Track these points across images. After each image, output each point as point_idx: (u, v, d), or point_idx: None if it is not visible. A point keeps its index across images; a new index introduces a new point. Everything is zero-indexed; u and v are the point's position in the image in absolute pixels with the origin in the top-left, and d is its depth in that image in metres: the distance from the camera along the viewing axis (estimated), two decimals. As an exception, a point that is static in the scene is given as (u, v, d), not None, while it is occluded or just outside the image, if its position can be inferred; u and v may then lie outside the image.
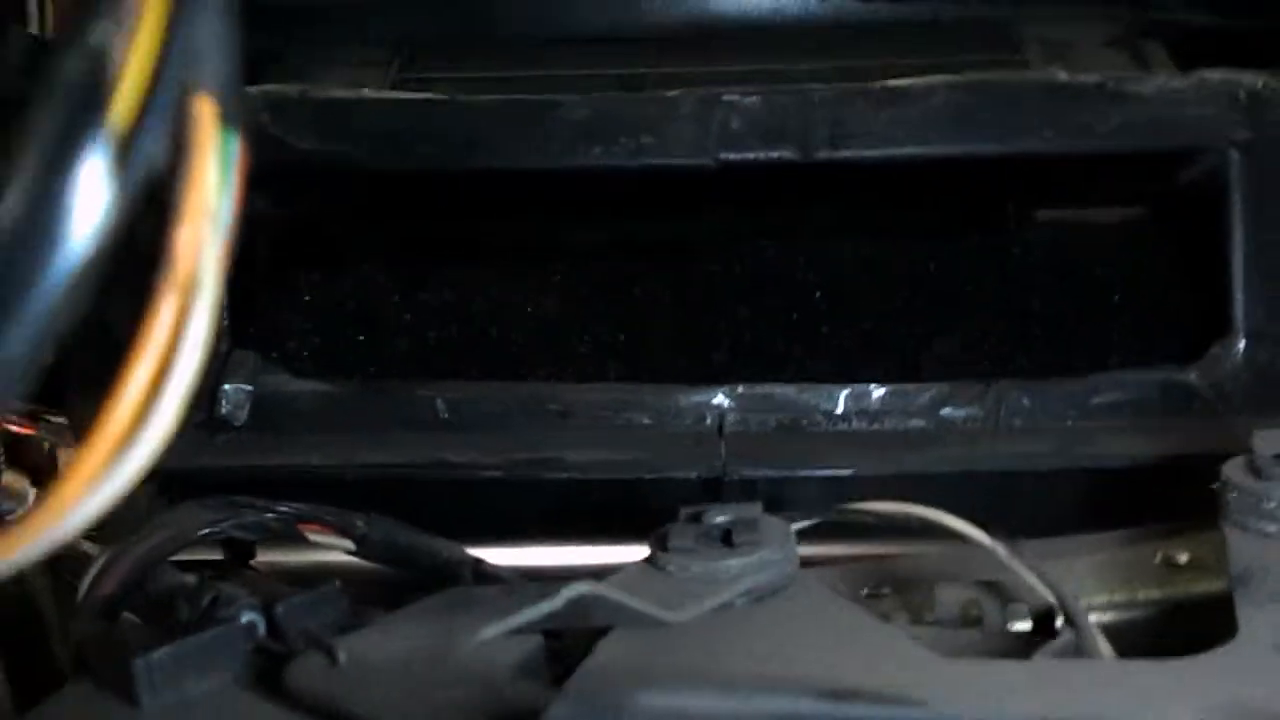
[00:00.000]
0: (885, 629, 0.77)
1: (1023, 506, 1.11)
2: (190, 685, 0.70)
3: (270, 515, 0.90)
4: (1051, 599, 0.78)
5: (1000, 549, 0.80)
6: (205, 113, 0.39)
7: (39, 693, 1.01)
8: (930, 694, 0.65)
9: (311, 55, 1.27)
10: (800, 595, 0.79)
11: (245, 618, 0.74)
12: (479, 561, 0.92)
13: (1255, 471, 0.84)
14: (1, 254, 0.35)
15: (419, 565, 0.92)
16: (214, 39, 0.39)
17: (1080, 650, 0.73)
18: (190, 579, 0.84)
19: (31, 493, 1.43)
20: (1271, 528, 0.82)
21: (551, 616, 0.72)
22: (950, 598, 0.85)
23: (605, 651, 0.72)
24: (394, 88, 1.25)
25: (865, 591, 0.97)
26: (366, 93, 1.12)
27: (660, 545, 0.81)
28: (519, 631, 0.72)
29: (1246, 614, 0.74)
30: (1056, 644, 0.74)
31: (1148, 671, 0.71)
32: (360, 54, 1.28)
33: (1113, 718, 0.64)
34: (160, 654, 0.69)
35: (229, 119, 0.40)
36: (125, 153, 0.36)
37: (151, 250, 0.40)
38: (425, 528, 1.01)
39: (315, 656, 0.70)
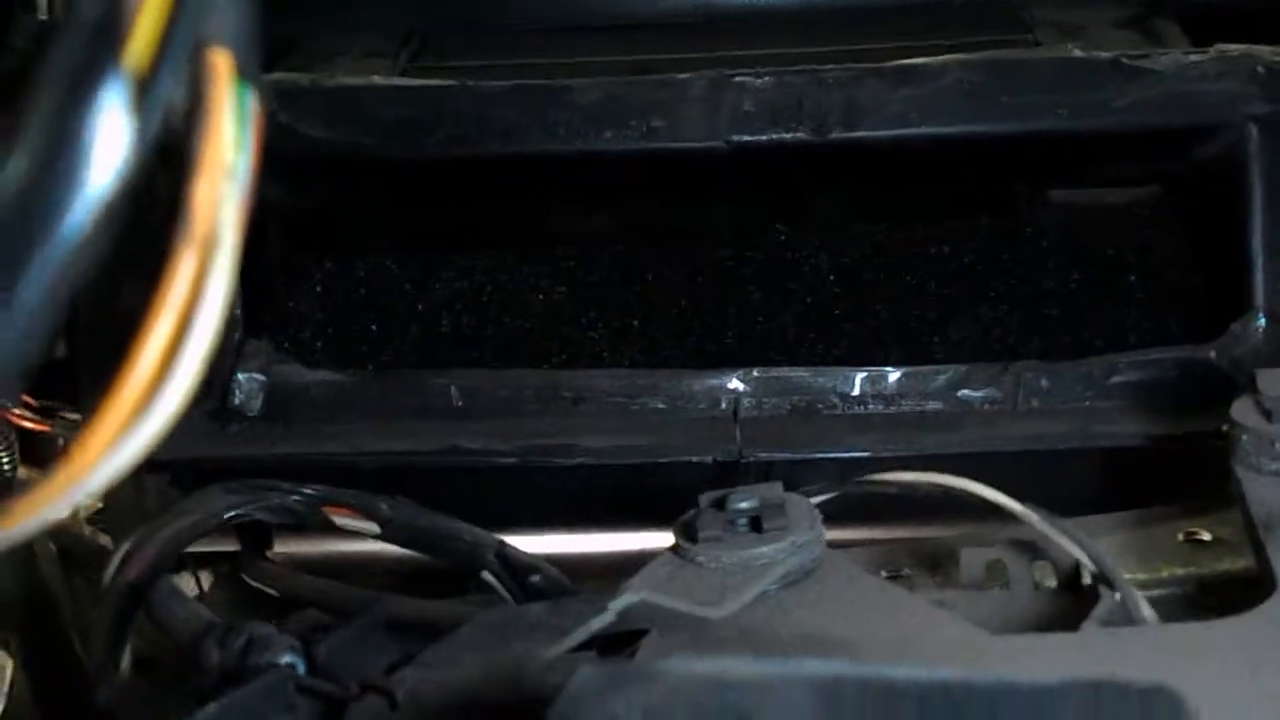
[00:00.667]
0: (926, 606, 0.76)
1: (1042, 487, 1.09)
2: None
3: (295, 498, 0.90)
4: (1087, 561, 0.77)
5: (1032, 514, 0.79)
6: (221, 66, 0.38)
7: (54, 682, 1.01)
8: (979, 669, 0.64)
9: (320, 44, 1.27)
10: (832, 576, 0.78)
11: (285, 659, 0.72)
12: (502, 544, 0.91)
13: (1265, 413, 0.83)
14: (21, 194, 0.34)
15: (443, 548, 0.91)
16: (230, -8, 0.38)
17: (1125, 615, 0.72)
18: (211, 616, 0.82)
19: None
20: None
21: (605, 630, 0.71)
22: (975, 560, 0.85)
23: (648, 650, 0.71)
24: (404, 75, 1.24)
25: (885, 573, 0.96)
26: (377, 80, 1.12)
27: (687, 536, 0.80)
28: (576, 650, 0.71)
29: None
30: (1101, 610, 0.73)
31: (1199, 633, 0.71)
32: (369, 43, 1.27)
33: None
34: (206, 714, 0.66)
35: (245, 73, 0.40)
36: (143, 93, 0.36)
37: (164, 237, 0.40)
38: (439, 514, 1.01)
39: (373, 700, 0.67)
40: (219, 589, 1.18)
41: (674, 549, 0.81)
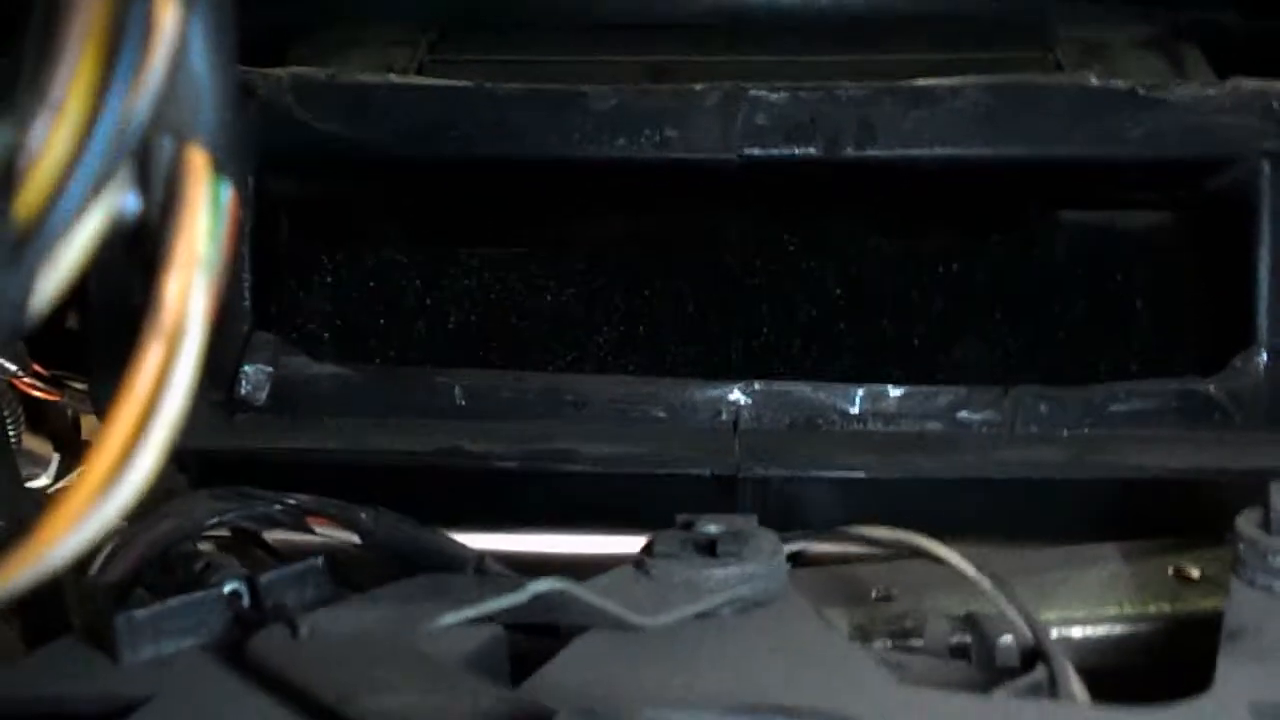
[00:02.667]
0: (854, 652, 0.77)
1: (1036, 513, 1.11)
2: (168, 646, 0.73)
3: (278, 507, 0.91)
4: (1027, 632, 0.77)
5: (986, 583, 0.80)
6: (197, 163, 0.39)
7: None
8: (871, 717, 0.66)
9: (339, 33, 1.27)
10: (782, 612, 0.79)
11: (229, 586, 0.77)
12: (482, 558, 0.92)
13: (1266, 525, 0.83)
14: None
15: (423, 561, 0.93)
16: (206, 90, 0.39)
17: (1054, 689, 0.72)
18: (192, 546, 0.87)
19: (54, 458, 1.45)
20: (1278, 584, 0.81)
21: (516, 610, 0.73)
22: (939, 630, 0.86)
23: (572, 653, 0.73)
24: (421, 68, 1.25)
25: (875, 594, 0.97)
26: (393, 78, 1.12)
27: (648, 550, 0.82)
28: (481, 621, 0.73)
29: (1225, 668, 0.73)
30: (1024, 681, 0.73)
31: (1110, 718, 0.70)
32: (388, 33, 1.27)
33: None
34: (141, 613, 0.73)
35: (221, 167, 0.40)
36: (21, 249, 0.36)
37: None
38: (439, 515, 1.02)
39: (279, 629, 0.72)
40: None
41: (635, 561, 0.83)
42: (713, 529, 0.83)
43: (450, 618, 0.73)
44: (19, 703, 0.73)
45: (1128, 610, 0.96)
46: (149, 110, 0.37)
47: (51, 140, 0.36)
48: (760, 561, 0.80)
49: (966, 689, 0.76)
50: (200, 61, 0.38)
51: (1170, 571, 0.98)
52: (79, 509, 0.40)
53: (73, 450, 1.46)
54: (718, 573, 0.79)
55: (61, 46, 0.35)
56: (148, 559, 0.85)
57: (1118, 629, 0.95)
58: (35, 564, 0.41)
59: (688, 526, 0.84)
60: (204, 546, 0.91)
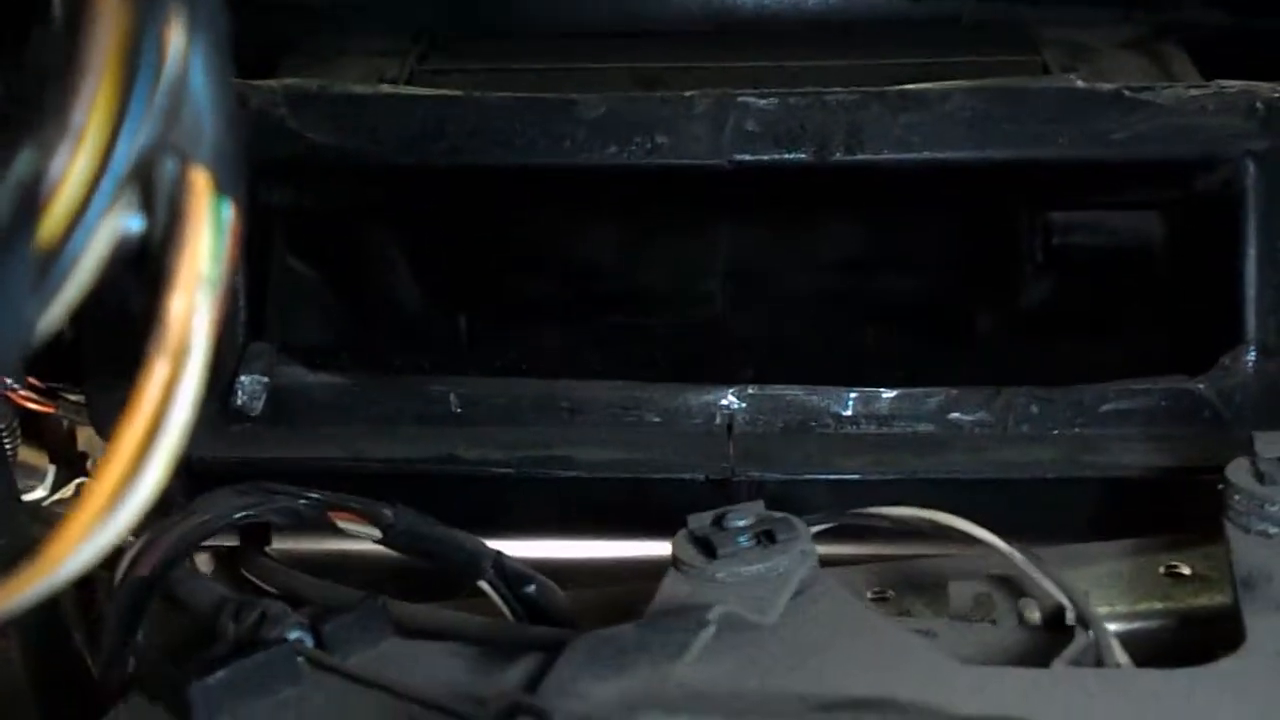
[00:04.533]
0: (905, 634, 0.78)
1: (1029, 513, 1.12)
2: (244, 706, 0.71)
3: (302, 502, 0.92)
4: (1068, 604, 0.80)
5: (1016, 554, 0.81)
6: (200, 184, 0.40)
7: (53, 674, 1.03)
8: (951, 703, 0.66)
9: (329, 43, 1.28)
10: (823, 597, 0.80)
11: (294, 634, 0.76)
12: (499, 555, 0.93)
13: (1258, 475, 0.85)
14: None
15: (441, 557, 0.93)
16: (207, 112, 0.39)
17: (1097, 656, 0.75)
18: (229, 593, 0.86)
19: (50, 470, 1.45)
20: (1274, 530, 0.84)
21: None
22: (964, 592, 0.87)
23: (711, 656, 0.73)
24: (411, 78, 1.26)
25: (870, 594, 0.98)
26: (385, 88, 1.13)
27: (704, 552, 0.81)
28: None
29: (1254, 622, 0.76)
30: (1072, 650, 0.76)
31: (1162, 680, 0.72)
32: (378, 43, 1.28)
33: None
34: (216, 678, 0.70)
35: (223, 188, 0.41)
36: (46, 269, 0.37)
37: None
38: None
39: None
40: (218, 578, 1.20)
41: (678, 567, 0.83)
42: (744, 521, 0.83)
43: (681, 668, 0.71)
44: None
45: (1120, 609, 0.96)
46: (158, 133, 0.37)
47: (72, 168, 0.37)
48: (806, 542, 0.81)
49: (998, 653, 0.77)
50: (201, 83, 0.39)
51: (1162, 570, 0.99)
52: (87, 524, 0.41)
53: (69, 462, 1.46)
54: (783, 559, 0.80)
55: (83, 76, 0.36)
56: (174, 557, 0.86)
57: (1111, 627, 0.96)
58: (44, 579, 0.41)
59: (718, 523, 0.84)
60: (227, 593, 0.89)
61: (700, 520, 0.86)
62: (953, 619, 0.87)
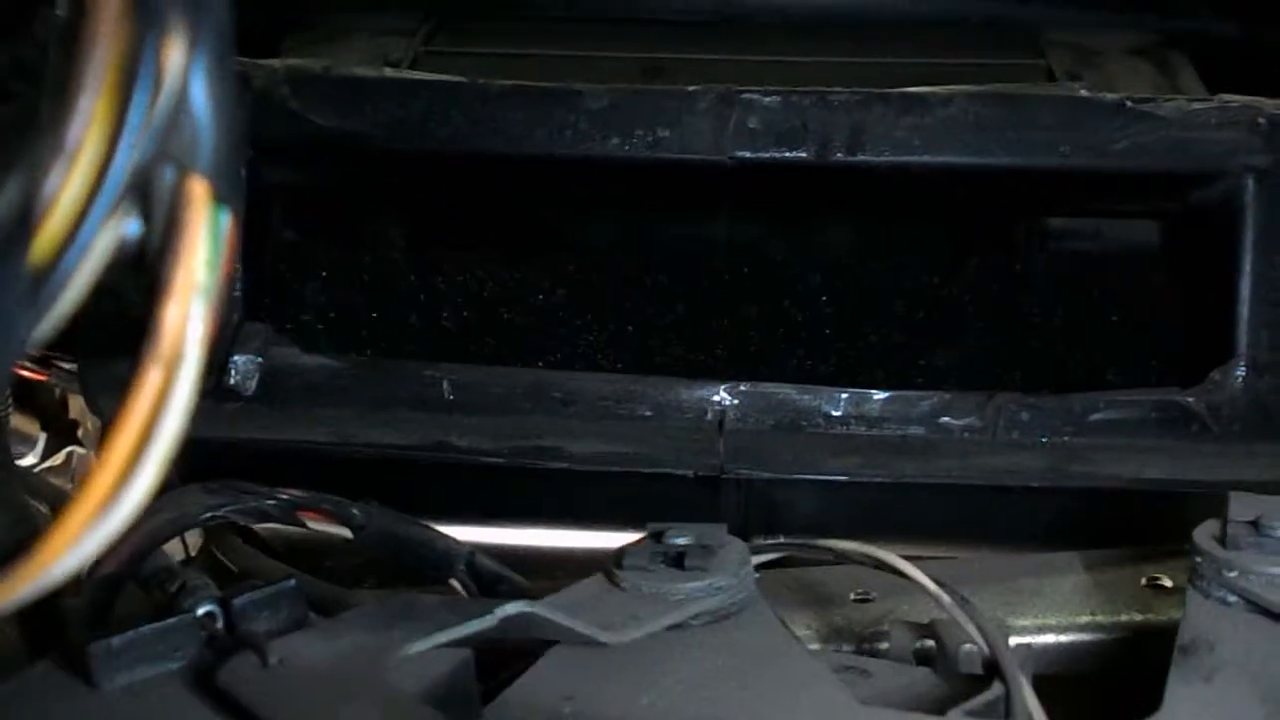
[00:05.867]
0: (816, 667, 0.78)
1: (1014, 519, 1.13)
2: (144, 671, 0.74)
3: (271, 503, 0.92)
4: (986, 651, 0.78)
5: (946, 598, 0.80)
6: (198, 193, 0.40)
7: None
8: None
9: (336, 22, 1.28)
10: (747, 624, 0.81)
11: (203, 609, 0.78)
12: (473, 554, 0.94)
13: (1222, 540, 0.84)
14: None
15: (415, 555, 0.94)
16: (207, 122, 0.40)
17: (1009, 709, 0.72)
18: (170, 564, 0.87)
19: (41, 437, 1.45)
20: (1231, 598, 0.82)
21: (485, 634, 0.74)
22: (904, 636, 0.87)
23: (540, 670, 0.74)
24: (416, 60, 1.26)
25: (854, 596, 0.99)
26: (388, 72, 1.13)
27: (616, 563, 0.83)
28: (453, 645, 0.74)
29: (1175, 689, 0.74)
30: (979, 700, 0.74)
31: None
32: (384, 23, 1.28)
33: None
34: (117, 640, 0.73)
35: (221, 197, 0.41)
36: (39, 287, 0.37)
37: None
38: (424, 508, 1.04)
39: (248, 657, 0.73)
40: (202, 559, 1.21)
41: (605, 572, 0.84)
42: (681, 540, 0.84)
43: (418, 645, 0.74)
44: None
45: (1100, 619, 0.97)
46: (155, 146, 0.38)
47: (66, 185, 0.37)
48: (728, 573, 0.81)
49: (927, 698, 0.77)
50: (201, 94, 0.39)
51: (1143, 581, 1.00)
52: (80, 526, 0.41)
53: (60, 429, 1.47)
54: (684, 586, 0.80)
55: (78, 95, 0.36)
56: (141, 553, 0.86)
57: (1089, 637, 0.97)
58: (38, 579, 0.42)
59: (658, 537, 0.85)
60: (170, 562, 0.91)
61: (654, 529, 0.87)
62: (891, 658, 0.87)
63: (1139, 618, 0.97)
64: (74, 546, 0.41)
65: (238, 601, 0.78)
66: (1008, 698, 0.72)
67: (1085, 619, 0.97)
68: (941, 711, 0.73)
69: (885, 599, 0.96)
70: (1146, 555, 1.01)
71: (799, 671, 0.76)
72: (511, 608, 0.74)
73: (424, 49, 1.25)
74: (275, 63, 1.10)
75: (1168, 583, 0.99)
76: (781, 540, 0.94)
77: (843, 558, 0.90)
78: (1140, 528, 1.02)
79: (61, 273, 0.38)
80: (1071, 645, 0.96)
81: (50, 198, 0.37)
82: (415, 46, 1.25)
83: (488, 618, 0.74)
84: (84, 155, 0.37)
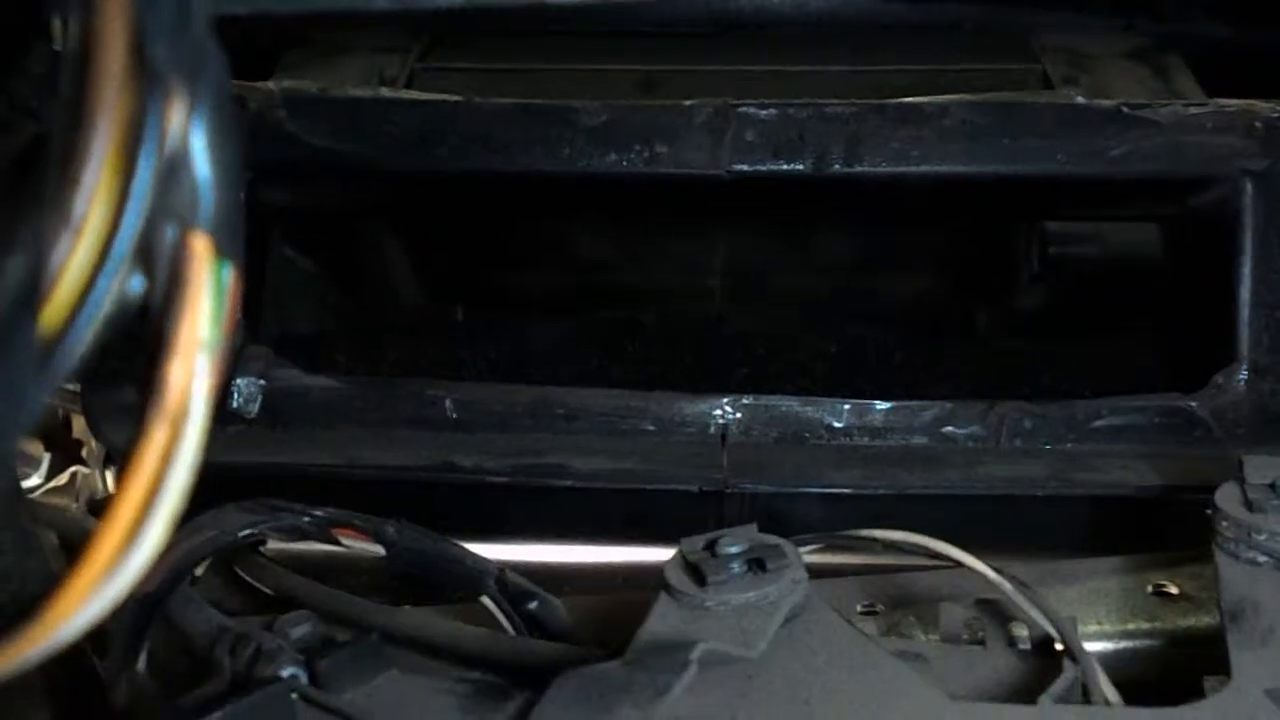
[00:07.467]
0: (896, 665, 0.78)
1: (1019, 528, 1.12)
2: None
3: (306, 519, 0.92)
4: (1055, 635, 0.80)
5: (1005, 583, 0.81)
6: (200, 249, 0.40)
7: (65, 677, 1.04)
8: None
9: (330, 40, 1.28)
10: (815, 624, 0.80)
11: (288, 672, 0.76)
12: (503, 571, 0.93)
13: (1247, 502, 0.85)
14: None
15: (445, 572, 0.93)
16: (208, 178, 0.40)
17: (1084, 689, 0.74)
18: (226, 622, 0.85)
19: (45, 457, 1.45)
20: (1262, 559, 0.84)
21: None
22: (954, 616, 0.87)
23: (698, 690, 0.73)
24: (412, 76, 1.25)
25: (860, 608, 0.98)
26: (384, 92, 1.13)
27: (695, 579, 0.81)
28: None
29: (1239, 657, 0.75)
30: (1060, 685, 0.75)
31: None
32: (380, 39, 1.28)
33: None
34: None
35: (223, 251, 0.41)
36: (50, 354, 0.37)
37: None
38: (430, 527, 1.03)
39: None
40: (214, 574, 1.20)
41: (670, 592, 0.82)
42: (737, 548, 0.83)
43: (660, 713, 0.71)
44: None
45: (1107, 627, 0.97)
46: (158, 207, 0.38)
47: (73, 256, 0.37)
48: (797, 569, 0.81)
49: (989, 681, 0.77)
50: (202, 151, 0.39)
51: (1150, 589, 1.00)
52: (89, 585, 0.41)
53: (63, 449, 1.46)
54: (772, 589, 0.80)
55: (82, 167, 0.36)
56: (182, 571, 0.86)
57: (1096, 645, 0.97)
58: (45, 641, 0.42)
59: (710, 549, 0.83)
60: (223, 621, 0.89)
61: (693, 544, 0.85)
62: (943, 640, 0.88)
63: (1146, 625, 0.96)
64: (82, 607, 0.41)
65: (323, 663, 0.76)
66: (1084, 676, 0.75)
67: (1092, 627, 0.97)
68: (1015, 694, 0.75)
69: (898, 608, 0.96)
70: (1152, 562, 1.01)
71: (881, 671, 0.76)
72: (700, 649, 0.73)
73: (420, 65, 1.25)
74: (271, 85, 1.10)
75: (1174, 590, 0.98)
76: (828, 534, 0.92)
77: (890, 546, 0.89)
78: (1146, 534, 1.02)
79: (70, 341, 0.38)
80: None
81: (57, 269, 0.37)
82: (411, 63, 1.25)
83: (691, 669, 0.73)
84: (90, 226, 0.37)
